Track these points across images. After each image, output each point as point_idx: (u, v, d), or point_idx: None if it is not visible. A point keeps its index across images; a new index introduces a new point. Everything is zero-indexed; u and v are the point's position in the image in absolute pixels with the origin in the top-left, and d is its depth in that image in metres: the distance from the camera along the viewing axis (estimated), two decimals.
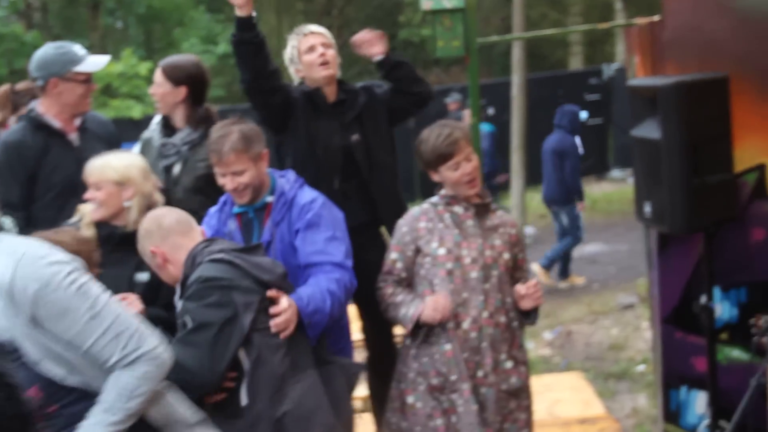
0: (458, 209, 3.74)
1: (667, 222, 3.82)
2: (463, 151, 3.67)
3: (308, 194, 3.67)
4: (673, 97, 3.72)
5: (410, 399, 3.70)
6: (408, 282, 3.76)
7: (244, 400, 3.07)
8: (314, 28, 4.22)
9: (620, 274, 9.71)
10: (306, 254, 3.55)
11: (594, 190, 15.22)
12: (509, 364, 3.70)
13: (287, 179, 3.69)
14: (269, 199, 3.64)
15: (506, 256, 3.74)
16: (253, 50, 3.94)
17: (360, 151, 4.14)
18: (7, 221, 3.89)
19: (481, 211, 3.76)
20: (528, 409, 3.83)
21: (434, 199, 3.81)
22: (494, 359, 3.66)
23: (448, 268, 3.66)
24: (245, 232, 3.66)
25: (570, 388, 6.46)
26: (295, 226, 3.59)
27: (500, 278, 3.69)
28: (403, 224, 3.81)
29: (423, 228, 3.73)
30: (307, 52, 4.14)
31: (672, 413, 4.53)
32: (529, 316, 3.79)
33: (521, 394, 3.78)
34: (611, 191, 15.00)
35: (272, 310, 3.20)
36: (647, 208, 3.92)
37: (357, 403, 4.48)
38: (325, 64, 4.12)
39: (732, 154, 3.91)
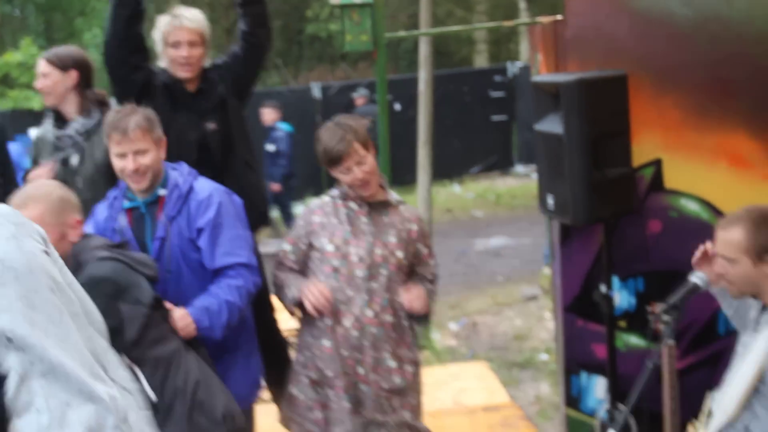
0: (353, 205, 3.72)
1: (569, 214, 3.93)
2: (354, 156, 3.61)
3: (205, 186, 3.60)
4: (574, 93, 3.83)
5: (293, 390, 3.77)
6: (300, 274, 3.77)
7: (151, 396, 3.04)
8: (187, 20, 4.03)
9: (524, 266, 9.93)
10: (212, 257, 3.53)
11: (498, 185, 15.51)
12: (392, 363, 3.71)
13: (180, 171, 3.61)
14: (162, 192, 3.55)
15: (399, 254, 3.72)
16: (128, 17, 3.88)
17: (215, 140, 4.06)
18: None
19: (378, 207, 3.74)
20: (415, 408, 3.84)
21: (334, 191, 3.80)
22: (375, 358, 3.67)
23: (334, 264, 3.66)
24: (136, 228, 3.57)
25: (475, 377, 6.58)
26: (197, 223, 3.53)
27: (390, 277, 3.68)
28: (300, 217, 3.83)
29: (317, 222, 3.72)
30: (172, 46, 4.03)
31: (573, 398, 4.67)
32: (419, 318, 3.82)
33: (406, 393, 3.77)
34: (515, 186, 15.30)
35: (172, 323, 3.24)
36: (550, 201, 4.03)
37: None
38: (187, 65, 4.03)
39: (630, 149, 4.05)
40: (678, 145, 4.11)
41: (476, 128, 16.25)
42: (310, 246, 3.73)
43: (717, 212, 4.00)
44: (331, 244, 3.67)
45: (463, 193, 15.17)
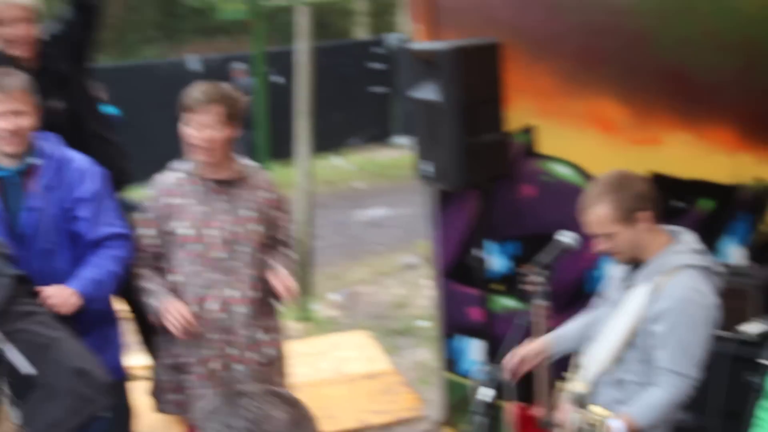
0: (206, 183, 3.55)
1: (446, 179, 3.97)
2: (209, 114, 3.43)
3: (78, 157, 3.48)
4: (450, 61, 3.86)
5: (156, 371, 3.71)
6: (159, 256, 3.61)
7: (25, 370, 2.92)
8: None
9: (404, 236, 9.91)
10: (95, 228, 3.44)
11: (379, 156, 15.55)
12: (264, 337, 3.66)
13: (49, 141, 3.47)
14: (34, 161, 3.40)
15: (258, 228, 3.60)
16: None
17: (61, 119, 3.81)
18: None
19: (230, 182, 3.58)
20: (284, 373, 3.81)
21: (184, 166, 3.61)
22: (247, 336, 3.60)
23: (194, 249, 3.53)
24: (4, 198, 3.40)
25: (356, 346, 6.61)
26: (76, 193, 3.42)
27: (252, 254, 3.57)
28: (152, 197, 3.62)
29: (174, 204, 3.55)
30: (4, 25, 3.79)
31: (450, 361, 4.75)
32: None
33: (277, 361, 3.75)
34: (396, 157, 15.35)
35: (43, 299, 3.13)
36: (427, 167, 4.05)
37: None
38: (22, 44, 3.79)
39: (504, 116, 4.11)
40: (550, 111, 4.20)
41: (356, 100, 16.23)
42: (167, 228, 3.56)
43: (587, 176, 4.09)
44: (190, 227, 3.53)
45: (344, 164, 15.15)
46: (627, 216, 2.94)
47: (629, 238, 2.96)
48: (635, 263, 3.05)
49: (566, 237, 3.23)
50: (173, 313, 3.47)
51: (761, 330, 1.95)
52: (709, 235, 3.69)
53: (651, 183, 3.03)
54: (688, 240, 3.06)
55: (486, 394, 2.86)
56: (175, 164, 3.65)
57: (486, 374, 2.96)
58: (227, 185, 3.58)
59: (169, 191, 3.58)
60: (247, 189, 3.61)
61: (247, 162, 3.71)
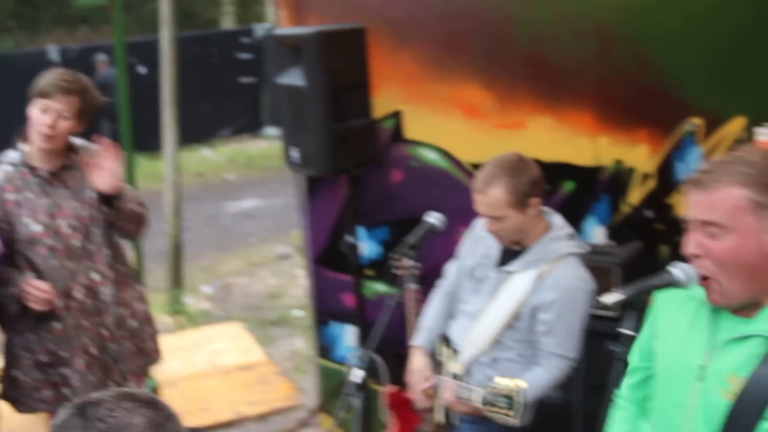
0: (42, 173, 3.39)
1: (313, 166, 3.94)
2: (60, 103, 3.30)
3: None
4: (313, 46, 3.82)
5: (16, 373, 3.52)
6: (11, 255, 3.41)
7: None
8: None
9: (277, 227, 9.94)
10: None
11: (249, 147, 15.39)
12: (125, 311, 3.58)
13: None
14: None
15: (103, 207, 3.45)
16: None
17: None
18: None
19: (66, 167, 3.44)
20: (154, 336, 3.74)
21: (11, 158, 3.42)
22: (115, 314, 3.53)
23: (48, 244, 3.39)
24: None
25: (230, 338, 6.54)
26: None
27: (104, 233, 3.47)
28: None
29: (11, 201, 3.37)
30: None
31: (324, 349, 4.73)
32: (110, 203, 3.46)
33: (146, 324, 3.67)
34: (266, 148, 15.24)
35: None
36: (295, 154, 4.01)
37: None
38: None
39: (371, 101, 4.11)
40: (416, 96, 4.21)
41: (224, 91, 16.00)
42: (12, 227, 3.38)
43: (454, 160, 4.14)
44: (38, 223, 3.37)
45: (214, 156, 14.93)
46: (521, 201, 2.94)
47: (518, 223, 2.98)
48: (515, 248, 3.08)
49: (432, 218, 3.24)
50: (32, 290, 3.31)
51: (617, 299, 2.00)
52: (573, 216, 3.78)
53: (540, 169, 3.07)
54: (559, 224, 3.12)
55: (357, 375, 2.85)
56: (1, 157, 3.46)
57: (358, 357, 2.95)
58: (61, 172, 3.44)
59: (6, 187, 3.40)
60: (81, 170, 3.44)
61: (80, 143, 3.55)
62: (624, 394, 2.37)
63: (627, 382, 2.36)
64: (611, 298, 1.97)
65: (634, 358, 2.33)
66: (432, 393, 3.23)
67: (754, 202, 1.88)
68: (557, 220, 3.13)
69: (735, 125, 3.61)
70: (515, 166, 2.97)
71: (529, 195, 2.97)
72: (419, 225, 3.25)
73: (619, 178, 3.88)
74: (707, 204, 1.90)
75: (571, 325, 2.99)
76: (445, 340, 3.26)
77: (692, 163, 3.72)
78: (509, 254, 3.12)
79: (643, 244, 3.77)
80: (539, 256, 3.04)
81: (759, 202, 1.88)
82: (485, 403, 2.74)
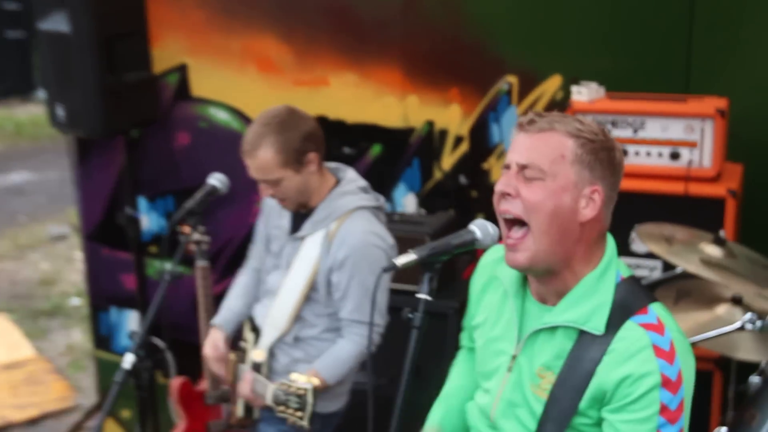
0: None
1: (83, 125, 3.80)
2: None
3: None
4: None
5: None
6: None
7: None
8: None
9: (51, 204, 9.58)
10: None
11: (19, 113, 14.75)
12: None
13: None
14: None
15: None
16: None
17: None
18: None
19: None
20: None
21: None
22: None
23: None
24: None
25: None
26: None
27: None
28: None
29: None
30: None
31: (103, 338, 4.59)
32: None
33: None
34: (38, 114, 14.62)
35: None
36: (60, 112, 3.84)
37: None
38: None
39: (150, 52, 3.98)
40: (204, 49, 4.12)
41: None
42: None
43: (248, 121, 4.07)
44: None
45: None
46: (295, 158, 2.88)
47: (297, 183, 2.92)
48: (302, 211, 3.04)
49: (214, 179, 3.13)
50: None
51: (409, 260, 1.97)
52: (381, 182, 3.80)
53: (316, 120, 3.01)
54: (350, 177, 3.09)
55: (128, 360, 2.71)
56: None
57: (133, 340, 2.80)
58: None
59: None
60: None
61: None
62: (459, 358, 2.41)
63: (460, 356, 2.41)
64: (403, 258, 1.94)
65: (464, 336, 2.38)
66: (230, 378, 3.15)
67: (577, 156, 1.94)
68: (348, 174, 3.10)
69: (551, 84, 3.71)
70: (283, 121, 2.91)
71: (305, 151, 2.92)
72: (200, 188, 3.14)
73: (430, 141, 3.93)
74: (532, 146, 1.95)
75: (368, 286, 2.95)
76: (251, 323, 3.19)
77: (507, 125, 3.81)
78: (300, 219, 3.08)
79: (456, 213, 3.84)
80: (326, 213, 3.00)
81: (582, 158, 1.94)
82: (276, 402, 2.69)
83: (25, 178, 10.90)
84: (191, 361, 3.35)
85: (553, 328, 1.99)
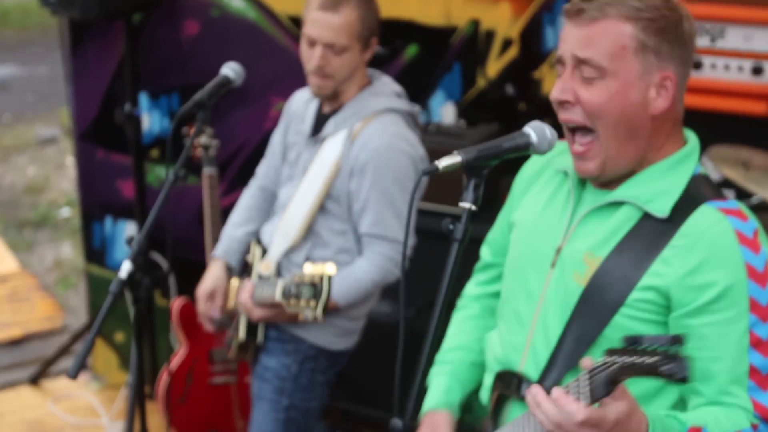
0: None
1: (76, 5, 3.79)
2: None
3: None
4: None
5: None
6: None
7: None
8: None
9: (39, 102, 9.69)
10: None
11: None
12: None
13: None
14: None
15: None
16: None
17: None
18: None
19: None
20: None
21: None
22: None
23: None
24: None
25: None
26: None
27: None
28: None
29: None
30: None
31: (96, 251, 4.63)
32: None
33: None
34: (27, 0, 14.68)
35: None
36: None
37: None
38: None
39: None
40: None
41: None
42: None
43: (266, 11, 4.04)
44: None
45: None
46: (368, 36, 2.99)
47: (353, 63, 2.98)
48: (327, 111, 3.04)
49: (228, 68, 3.10)
50: None
51: (453, 162, 1.93)
52: (416, 88, 3.77)
53: None
54: (385, 81, 3.10)
55: (125, 269, 2.71)
56: None
57: (131, 247, 2.80)
58: None
59: None
60: None
61: None
62: (469, 292, 2.36)
63: (475, 279, 2.36)
64: (447, 160, 1.91)
65: (486, 251, 2.32)
66: (232, 304, 3.17)
67: (640, 43, 1.89)
68: (384, 78, 3.13)
69: None
70: None
71: (374, 35, 3.03)
72: (213, 80, 3.11)
73: (474, 44, 3.88)
74: (585, 38, 1.90)
75: (391, 196, 2.94)
76: (258, 240, 3.21)
77: None
78: (323, 120, 3.07)
79: (500, 126, 3.82)
80: (353, 111, 3.01)
81: (645, 43, 1.89)
82: (285, 295, 2.71)
83: (11, 72, 10.98)
84: (194, 280, 3.36)
85: (609, 207, 1.96)
